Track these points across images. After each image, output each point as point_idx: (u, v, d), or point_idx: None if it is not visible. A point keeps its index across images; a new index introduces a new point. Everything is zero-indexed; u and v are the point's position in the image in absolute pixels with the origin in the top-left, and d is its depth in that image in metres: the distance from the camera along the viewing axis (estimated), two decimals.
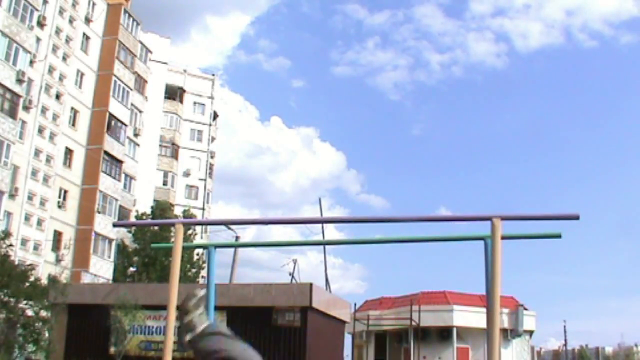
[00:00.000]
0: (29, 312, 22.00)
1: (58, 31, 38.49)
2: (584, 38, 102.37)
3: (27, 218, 35.22)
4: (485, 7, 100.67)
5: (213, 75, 58.51)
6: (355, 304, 31.08)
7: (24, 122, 34.97)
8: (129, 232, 40.26)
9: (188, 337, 2.52)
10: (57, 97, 38.24)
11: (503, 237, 4.71)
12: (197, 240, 41.65)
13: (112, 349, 20.70)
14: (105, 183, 40.67)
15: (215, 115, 57.62)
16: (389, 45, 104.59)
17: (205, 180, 54.45)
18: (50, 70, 37.65)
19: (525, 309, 33.45)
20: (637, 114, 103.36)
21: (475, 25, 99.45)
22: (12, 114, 33.21)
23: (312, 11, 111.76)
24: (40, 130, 36.71)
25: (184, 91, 54.60)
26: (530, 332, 34.76)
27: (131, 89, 44.13)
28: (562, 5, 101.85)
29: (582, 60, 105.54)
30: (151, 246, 30.65)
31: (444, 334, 32.20)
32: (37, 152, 36.28)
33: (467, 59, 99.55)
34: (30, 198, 35.46)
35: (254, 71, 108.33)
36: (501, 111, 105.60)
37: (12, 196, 33.58)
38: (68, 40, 39.42)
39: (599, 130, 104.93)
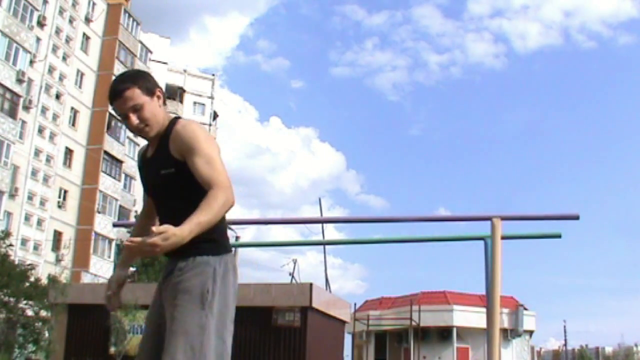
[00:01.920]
0: (29, 312, 22.00)
1: (58, 31, 38.48)
2: (582, 39, 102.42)
3: (27, 218, 35.21)
4: (483, 8, 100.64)
5: (213, 75, 58.55)
6: (355, 304, 31.08)
7: (24, 122, 34.97)
8: (129, 232, 40.26)
9: None
10: (57, 97, 38.24)
11: (503, 237, 4.71)
12: None
13: (112, 349, 20.70)
14: (105, 183, 40.67)
15: (215, 115, 57.62)
16: (388, 46, 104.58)
17: None
18: (50, 70, 37.65)
19: (525, 309, 33.46)
20: (636, 114, 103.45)
21: (473, 26, 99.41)
22: (12, 114, 33.21)
23: (310, 12, 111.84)
24: (40, 130, 36.71)
25: (184, 91, 54.57)
26: (530, 332, 34.78)
27: None
28: (560, 6, 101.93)
29: (580, 61, 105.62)
30: None
31: (444, 334, 32.22)
32: (37, 152, 36.28)
33: (465, 59, 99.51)
34: (30, 198, 35.45)
35: (253, 72, 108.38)
36: (500, 111, 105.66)
37: (12, 196, 33.58)
38: (68, 40, 39.42)
39: (598, 131, 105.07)
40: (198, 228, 2.24)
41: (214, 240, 2.50)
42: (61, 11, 38.75)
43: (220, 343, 2.43)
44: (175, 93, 53.45)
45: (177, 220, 2.34)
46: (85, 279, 36.67)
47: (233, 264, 2.54)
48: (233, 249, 2.52)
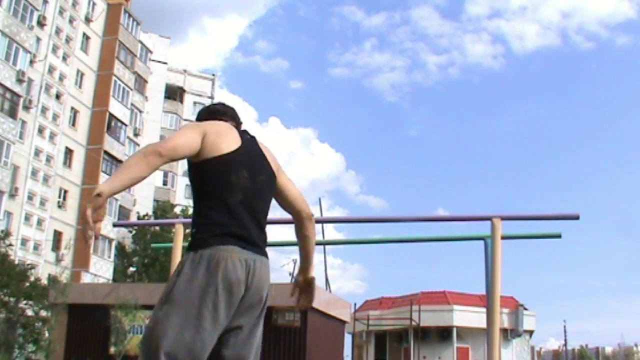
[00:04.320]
0: (29, 312, 22.02)
1: (58, 31, 38.48)
2: (580, 40, 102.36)
3: (27, 218, 35.21)
4: (481, 9, 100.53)
5: (213, 75, 58.56)
6: (355, 304, 31.10)
7: (24, 122, 34.97)
8: (130, 232, 40.25)
9: None
10: (57, 97, 38.23)
11: (503, 237, 4.71)
12: None
13: (112, 349, 20.69)
14: None
15: None
16: (386, 47, 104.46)
17: None
18: (50, 70, 37.64)
19: (525, 309, 33.48)
20: (635, 114, 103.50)
21: (471, 27, 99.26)
22: (12, 114, 33.21)
23: (309, 13, 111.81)
24: (40, 130, 36.71)
25: (184, 91, 54.58)
26: (530, 332, 34.80)
27: (131, 89, 44.12)
28: (557, 7, 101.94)
29: (578, 62, 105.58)
30: (151, 246, 30.62)
31: (444, 334, 32.24)
32: (37, 152, 36.27)
33: (463, 60, 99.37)
34: (30, 198, 35.45)
35: (252, 73, 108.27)
36: (498, 112, 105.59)
37: (12, 196, 33.58)
38: (68, 40, 39.42)
39: (597, 131, 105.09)
40: (110, 180, 2.34)
41: (192, 235, 2.52)
42: (61, 11, 38.74)
43: (181, 337, 2.34)
44: (175, 93, 53.46)
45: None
46: (85, 279, 36.66)
47: (213, 258, 2.42)
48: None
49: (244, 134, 2.73)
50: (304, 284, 2.81)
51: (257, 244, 2.54)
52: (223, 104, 2.92)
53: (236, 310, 2.44)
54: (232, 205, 2.50)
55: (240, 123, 2.88)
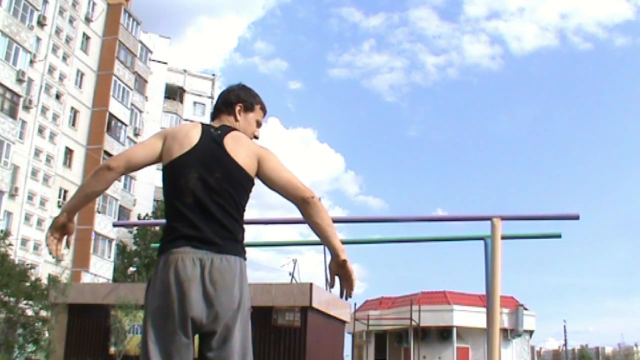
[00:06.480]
0: (29, 312, 22.00)
1: (58, 31, 38.48)
2: (578, 41, 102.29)
3: (27, 218, 35.22)
4: (479, 10, 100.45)
5: (213, 75, 58.56)
6: (355, 304, 31.12)
7: (24, 122, 34.97)
8: (130, 232, 40.25)
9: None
10: (57, 97, 38.24)
11: (503, 237, 4.71)
12: None
13: (112, 349, 20.70)
14: None
15: None
16: (385, 48, 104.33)
17: None
18: (50, 70, 37.65)
19: (525, 309, 33.50)
20: (633, 114, 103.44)
21: (470, 28, 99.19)
22: (12, 114, 33.21)
23: (307, 14, 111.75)
24: (40, 130, 36.72)
25: (184, 91, 54.57)
26: (530, 332, 34.83)
27: (131, 89, 44.12)
28: (556, 8, 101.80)
29: (577, 62, 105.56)
30: (152, 246, 30.63)
31: (444, 334, 32.25)
32: (37, 152, 36.28)
33: (462, 61, 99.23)
34: (30, 198, 35.46)
35: (251, 73, 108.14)
36: (497, 112, 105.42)
37: (12, 196, 33.59)
38: (68, 40, 39.42)
39: (596, 131, 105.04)
40: (68, 201, 2.73)
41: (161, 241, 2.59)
42: (61, 11, 38.74)
43: (155, 345, 2.47)
44: (175, 93, 53.45)
45: None
46: (85, 279, 36.67)
47: (167, 262, 2.48)
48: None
49: (207, 129, 2.67)
50: (336, 269, 2.59)
51: (214, 242, 2.47)
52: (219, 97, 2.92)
53: (208, 312, 2.42)
54: (182, 209, 2.52)
55: (234, 103, 2.86)
